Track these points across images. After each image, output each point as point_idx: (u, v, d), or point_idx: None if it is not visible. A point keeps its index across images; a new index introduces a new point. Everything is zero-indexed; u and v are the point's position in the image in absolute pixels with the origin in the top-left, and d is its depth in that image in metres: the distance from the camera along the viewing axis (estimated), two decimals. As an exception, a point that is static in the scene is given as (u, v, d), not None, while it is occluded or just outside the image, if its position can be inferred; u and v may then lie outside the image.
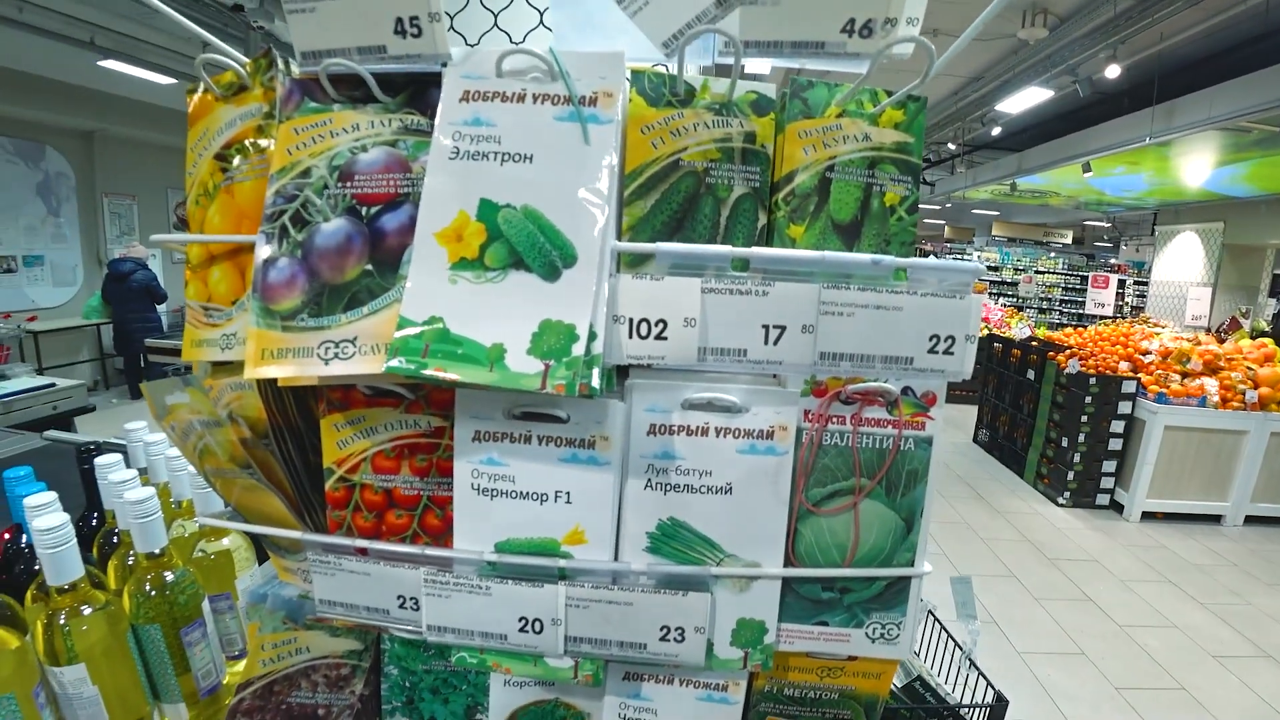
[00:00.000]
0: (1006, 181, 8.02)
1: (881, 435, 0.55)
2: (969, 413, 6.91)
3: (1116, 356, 4.91)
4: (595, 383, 0.47)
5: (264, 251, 0.51)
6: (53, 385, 4.66)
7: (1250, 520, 4.75)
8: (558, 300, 0.48)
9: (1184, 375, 4.77)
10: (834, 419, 0.55)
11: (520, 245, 0.49)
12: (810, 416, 0.55)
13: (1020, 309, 11.34)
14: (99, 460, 0.93)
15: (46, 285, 7.63)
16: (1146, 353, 4.98)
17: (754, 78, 0.55)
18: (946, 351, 0.51)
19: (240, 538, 0.95)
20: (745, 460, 0.55)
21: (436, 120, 0.51)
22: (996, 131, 7.22)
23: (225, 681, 0.95)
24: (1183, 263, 8.57)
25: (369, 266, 0.50)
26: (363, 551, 0.59)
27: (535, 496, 0.56)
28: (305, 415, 0.60)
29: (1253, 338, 5.34)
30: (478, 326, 0.48)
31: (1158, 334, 5.54)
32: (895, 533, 0.56)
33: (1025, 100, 6.12)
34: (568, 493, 0.56)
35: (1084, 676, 2.97)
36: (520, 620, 0.57)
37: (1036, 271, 12.75)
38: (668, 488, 0.55)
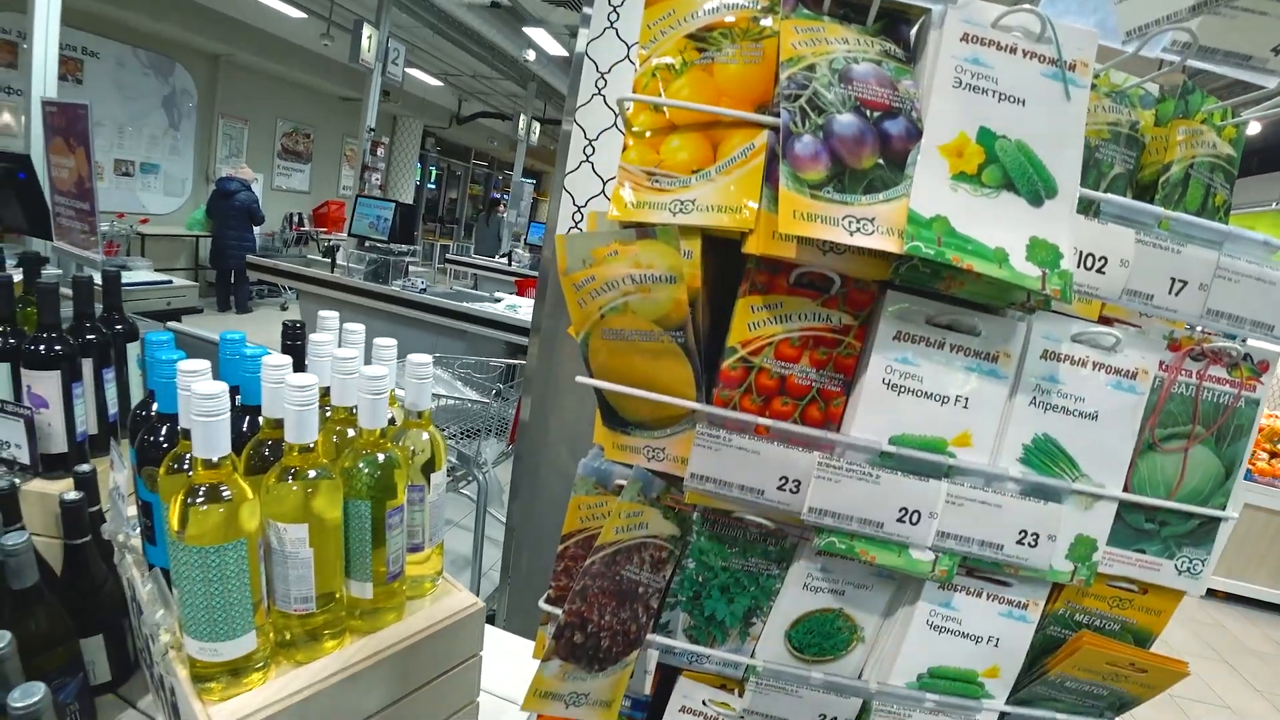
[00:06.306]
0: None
1: (1220, 391, 0.65)
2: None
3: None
4: (1071, 296, 0.55)
5: (790, 127, 0.55)
6: (170, 282, 4.38)
7: (1319, 618, 4.39)
8: (1041, 223, 0.56)
9: (1272, 455, 4.42)
10: (1184, 372, 0.65)
11: (1013, 171, 0.56)
12: (1164, 367, 0.65)
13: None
14: (314, 338, 0.90)
15: (158, 193, 8.20)
16: (1238, 426, 4.87)
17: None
18: (1298, 327, 0.63)
19: (435, 433, 0.94)
20: (1112, 394, 0.64)
21: (938, 52, 0.58)
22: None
23: (407, 572, 0.93)
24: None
25: (880, 161, 0.56)
26: (762, 430, 0.63)
27: (937, 398, 0.62)
28: (717, 294, 0.64)
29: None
30: (979, 230, 0.55)
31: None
32: (1215, 478, 0.66)
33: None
34: (966, 399, 0.62)
35: (1136, 744, 2.82)
36: (900, 510, 0.63)
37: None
38: (1047, 407, 0.63)
